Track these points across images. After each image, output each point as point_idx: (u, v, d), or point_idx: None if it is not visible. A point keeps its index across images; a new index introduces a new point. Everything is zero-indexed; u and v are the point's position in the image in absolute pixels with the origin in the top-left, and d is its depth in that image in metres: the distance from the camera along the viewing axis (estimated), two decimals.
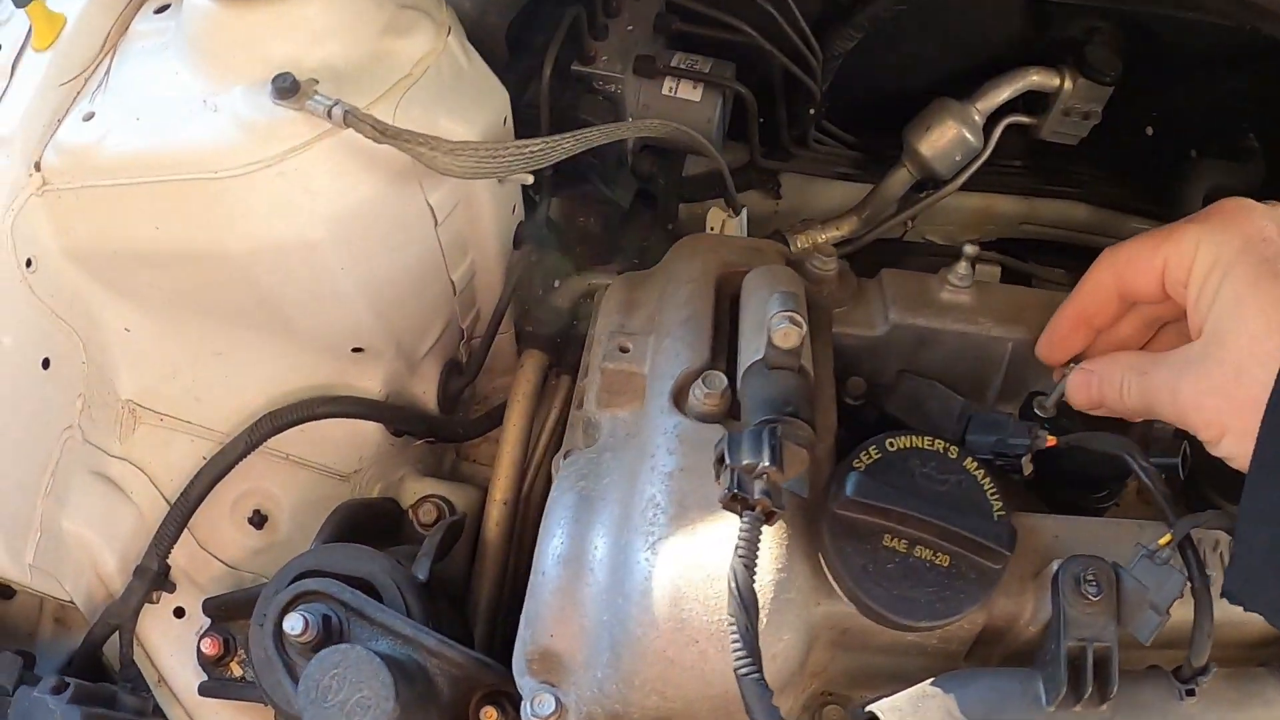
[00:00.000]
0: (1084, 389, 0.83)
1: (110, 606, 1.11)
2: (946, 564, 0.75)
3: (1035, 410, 0.91)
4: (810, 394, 0.78)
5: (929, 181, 1.43)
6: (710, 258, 0.97)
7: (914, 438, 0.80)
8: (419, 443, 1.27)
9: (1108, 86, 1.35)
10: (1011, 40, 1.39)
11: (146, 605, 1.12)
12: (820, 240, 1.43)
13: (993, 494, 0.78)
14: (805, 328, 0.76)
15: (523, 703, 0.79)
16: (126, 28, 1.10)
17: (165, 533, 1.11)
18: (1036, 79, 1.36)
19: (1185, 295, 0.74)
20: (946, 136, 1.37)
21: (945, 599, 0.74)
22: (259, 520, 1.19)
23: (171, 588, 1.14)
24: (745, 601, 0.65)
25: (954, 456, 0.79)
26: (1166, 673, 0.78)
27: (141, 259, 1.05)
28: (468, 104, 1.04)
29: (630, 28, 1.30)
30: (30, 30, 1.06)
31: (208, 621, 1.12)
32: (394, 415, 1.18)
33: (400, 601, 0.94)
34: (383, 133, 0.88)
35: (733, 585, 0.66)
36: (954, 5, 1.29)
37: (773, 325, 0.76)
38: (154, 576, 1.10)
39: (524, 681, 0.80)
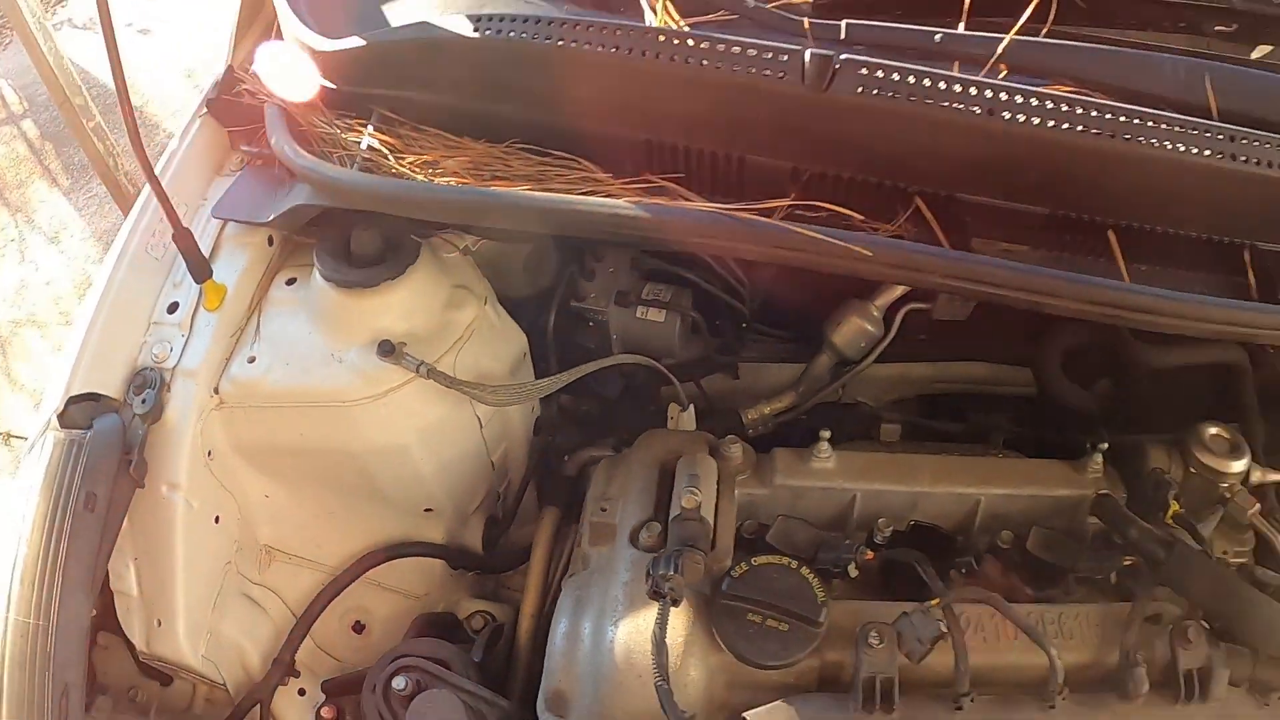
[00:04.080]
0: None
1: (253, 688, 1.75)
2: (786, 629, 1.38)
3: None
4: (706, 534, 1.45)
5: (847, 361, 1.98)
6: (659, 448, 1.65)
7: (771, 556, 1.45)
8: (471, 574, 1.95)
9: None
10: None
11: (279, 687, 1.77)
12: (766, 412, 2.00)
13: (818, 588, 1.41)
14: (701, 496, 1.46)
15: None
16: (265, 293, 1.79)
17: (295, 636, 1.78)
18: None
19: None
20: (853, 330, 1.92)
21: (786, 649, 1.37)
22: (359, 628, 1.87)
23: (297, 674, 1.79)
24: (659, 644, 1.31)
25: (793, 567, 1.44)
26: (944, 698, 1.40)
27: (286, 452, 1.74)
28: (500, 348, 1.76)
29: (612, 270, 1.94)
30: (201, 295, 1.74)
31: (322, 697, 1.77)
32: (452, 555, 1.87)
33: (465, 674, 1.61)
34: (449, 383, 1.59)
35: (655, 636, 1.32)
36: None
37: (682, 494, 1.46)
38: (286, 666, 1.76)
39: (544, 716, 1.45)
